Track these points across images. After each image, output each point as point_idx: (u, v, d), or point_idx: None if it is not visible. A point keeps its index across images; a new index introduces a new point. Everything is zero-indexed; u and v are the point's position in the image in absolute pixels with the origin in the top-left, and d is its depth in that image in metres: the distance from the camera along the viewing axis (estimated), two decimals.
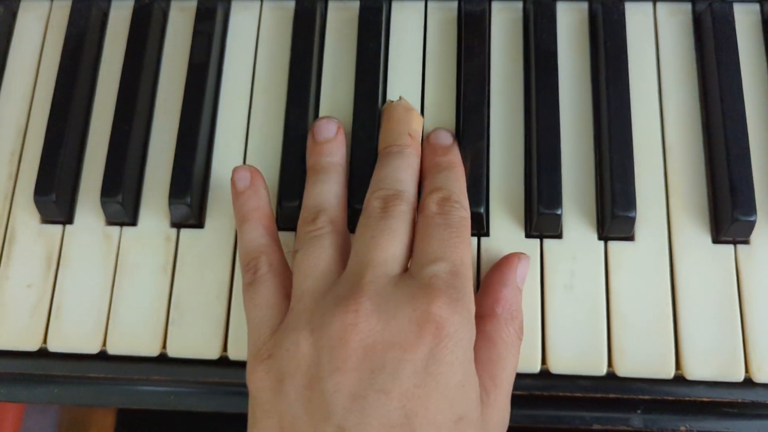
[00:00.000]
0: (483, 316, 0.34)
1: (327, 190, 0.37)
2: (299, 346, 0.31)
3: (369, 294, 0.31)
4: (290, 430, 0.31)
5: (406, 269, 0.34)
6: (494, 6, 0.43)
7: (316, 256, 0.34)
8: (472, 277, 0.33)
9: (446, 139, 0.39)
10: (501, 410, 0.33)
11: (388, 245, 0.33)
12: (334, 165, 0.38)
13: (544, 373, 0.37)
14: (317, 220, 0.35)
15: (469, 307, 0.32)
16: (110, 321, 0.39)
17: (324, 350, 0.31)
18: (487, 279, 0.36)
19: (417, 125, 0.39)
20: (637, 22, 0.42)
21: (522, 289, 0.36)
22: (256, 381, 0.32)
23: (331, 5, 0.44)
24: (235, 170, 0.38)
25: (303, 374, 0.31)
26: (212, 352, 0.38)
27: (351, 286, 0.32)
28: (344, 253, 0.35)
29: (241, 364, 0.38)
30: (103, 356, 0.39)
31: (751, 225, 0.37)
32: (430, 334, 0.30)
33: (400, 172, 0.36)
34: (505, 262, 0.36)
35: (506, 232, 0.39)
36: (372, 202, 0.35)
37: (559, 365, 0.37)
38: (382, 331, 0.30)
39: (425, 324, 0.30)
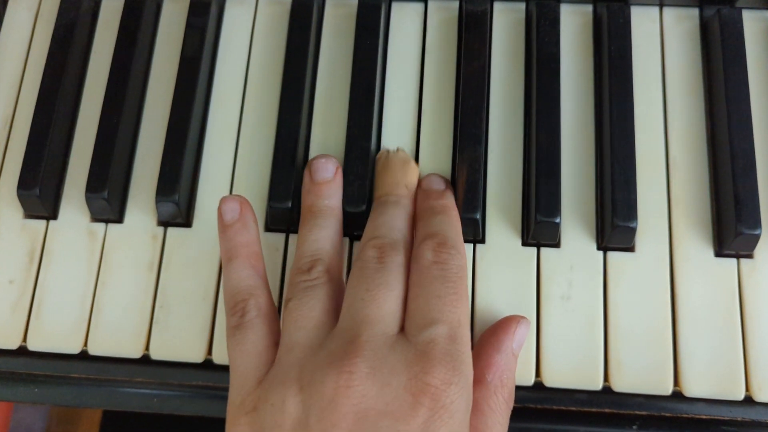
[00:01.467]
0: (473, 382, 0.33)
1: (324, 236, 0.35)
2: (286, 402, 0.30)
3: (365, 355, 0.30)
4: None
5: (401, 327, 0.32)
6: (496, 7, 0.42)
7: (310, 307, 0.33)
8: (470, 340, 0.32)
9: (439, 184, 0.37)
10: None
11: (385, 301, 0.32)
12: (332, 209, 0.36)
13: (539, 386, 0.36)
14: (313, 270, 0.34)
15: (466, 374, 0.31)
16: (92, 320, 0.38)
17: (313, 410, 0.29)
18: (482, 342, 0.35)
19: (413, 178, 0.38)
20: (642, 27, 0.41)
21: (518, 356, 0.35)
22: None
23: (328, 1, 0.43)
24: (222, 201, 0.36)
25: None
26: (197, 355, 0.37)
27: (345, 344, 0.30)
28: (338, 303, 0.34)
29: (226, 368, 0.37)
30: (85, 356, 0.38)
31: (756, 238, 0.36)
32: (425, 406, 0.29)
33: (396, 221, 0.35)
34: (501, 325, 0.35)
35: (503, 240, 0.38)
36: (367, 250, 0.34)
37: (553, 378, 0.35)
38: (376, 397, 0.29)
39: (420, 395, 0.29)
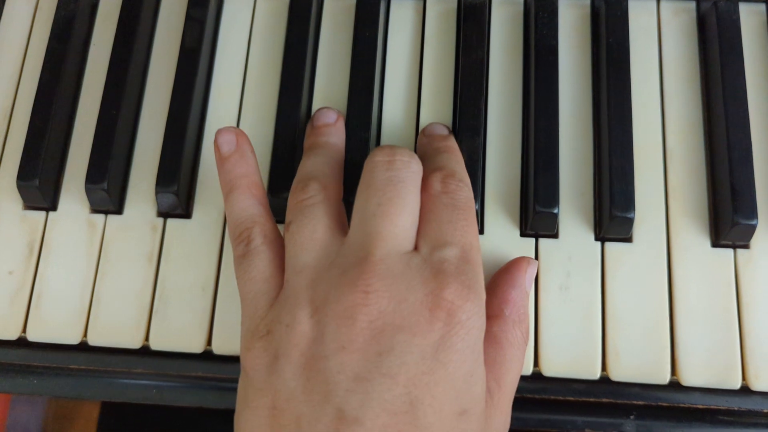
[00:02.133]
0: (490, 317, 0.33)
1: (319, 161, 0.35)
2: (300, 322, 0.30)
3: (379, 273, 0.29)
4: (284, 409, 0.29)
5: (415, 245, 0.32)
6: None
7: (312, 227, 0.32)
8: (481, 264, 0.32)
9: (442, 130, 0.38)
10: (503, 414, 0.32)
11: (398, 215, 0.31)
12: (330, 144, 0.36)
13: (537, 376, 0.36)
14: (308, 187, 0.33)
15: (480, 294, 0.31)
16: (92, 311, 0.38)
17: (328, 328, 0.29)
18: (496, 280, 0.35)
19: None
20: (640, 20, 0.41)
21: (529, 294, 0.35)
22: (252, 359, 0.30)
23: None
24: (218, 132, 0.35)
25: (302, 352, 0.29)
26: (196, 346, 0.37)
27: (359, 262, 0.30)
28: (342, 221, 0.33)
29: (226, 359, 0.37)
30: (84, 347, 0.38)
31: (752, 229, 0.36)
32: (441, 321, 0.29)
33: (402, 148, 0.34)
34: (514, 264, 0.35)
35: (501, 230, 0.38)
36: (377, 155, 0.32)
37: (551, 368, 0.36)
38: (393, 313, 0.29)
39: (437, 309, 0.29)
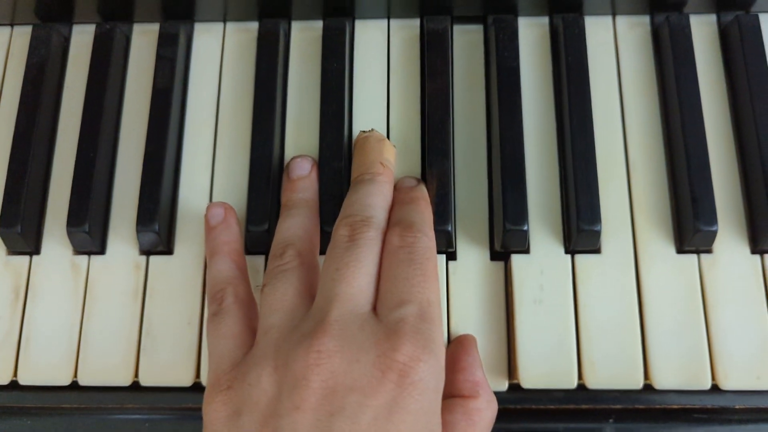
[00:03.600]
0: (467, 397, 0.34)
1: (296, 223, 0.37)
2: (261, 381, 0.31)
3: (333, 333, 0.31)
4: None
5: (374, 306, 0.33)
6: (456, 24, 0.43)
7: (283, 291, 0.34)
8: (441, 319, 0.33)
9: (410, 182, 0.39)
10: None
11: (354, 278, 0.33)
12: (305, 200, 0.38)
13: (516, 387, 0.37)
14: (284, 254, 0.35)
15: (437, 353, 0.31)
16: (81, 351, 0.39)
17: (285, 388, 0.30)
18: (460, 360, 0.35)
19: (389, 155, 0.39)
20: (597, 36, 0.43)
21: None
22: (213, 412, 0.32)
23: (294, 26, 0.44)
24: (209, 207, 0.39)
25: (261, 410, 0.30)
26: (185, 379, 0.38)
27: (316, 324, 0.31)
28: (313, 287, 0.35)
29: None
30: (76, 387, 0.39)
31: (713, 234, 0.37)
32: (392, 382, 0.29)
33: (370, 198, 0.36)
34: (469, 343, 0.36)
35: (474, 249, 0.39)
36: (339, 229, 0.35)
37: (530, 380, 0.37)
38: (344, 374, 0.30)
39: (388, 371, 0.30)
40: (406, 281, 0.33)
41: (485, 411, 0.34)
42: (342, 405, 0.29)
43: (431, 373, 0.30)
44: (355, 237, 0.34)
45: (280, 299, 0.33)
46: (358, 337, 0.31)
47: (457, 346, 0.36)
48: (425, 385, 0.30)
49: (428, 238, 0.35)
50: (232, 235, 0.38)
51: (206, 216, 0.38)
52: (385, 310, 0.32)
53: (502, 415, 0.38)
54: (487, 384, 0.35)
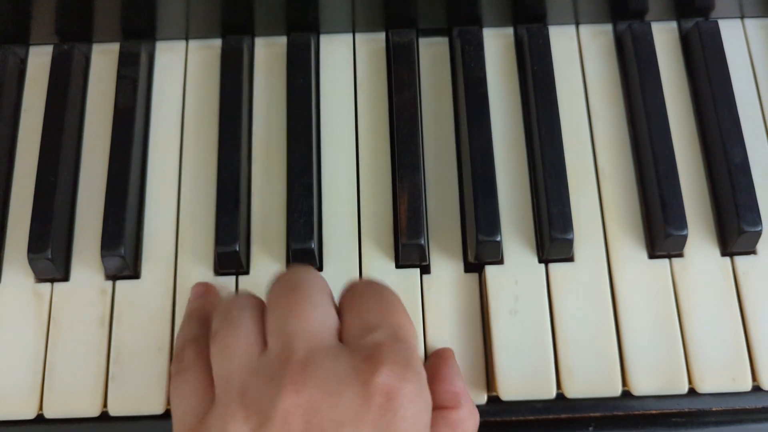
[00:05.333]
0: (449, 408, 0.33)
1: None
2: None
3: (307, 369, 0.28)
4: None
5: (339, 338, 0.31)
6: (422, 36, 0.43)
7: (234, 334, 0.31)
8: (416, 339, 0.32)
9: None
10: None
11: (309, 311, 0.30)
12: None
13: (495, 399, 0.37)
14: (235, 301, 0.33)
15: (419, 372, 0.30)
16: (46, 383, 0.37)
17: None
18: (440, 371, 0.34)
19: None
20: (561, 45, 0.43)
21: None
22: None
23: (258, 42, 0.44)
24: (193, 287, 0.38)
25: None
26: (156, 408, 0.37)
27: (283, 363, 0.29)
28: (264, 330, 0.32)
29: None
30: (41, 420, 0.37)
31: (683, 239, 0.38)
32: (382, 407, 0.28)
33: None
34: (447, 354, 0.35)
35: (447, 261, 0.39)
36: (275, 282, 0.32)
37: (509, 392, 0.37)
38: (330, 408, 0.28)
39: (374, 396, 0.28)
40: (369, 312, 0.31)
41: (468, 421, 0.33)
42: None
43: (418, 392, 0.29)
44: (297, 279, 0.32)
45: (232, 343, 0.31)
46: (334, 369, 0.29)
47: (435, 359, 0.36)
48: (415, 405, 0.29)
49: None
50: (208, 303, 0.36)
51: (191, 294, 0.37)
52: (354, 340, 0.30)
53: (482, 428, 0.37)
54: (468, 394, 0.34)
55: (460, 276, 0.38)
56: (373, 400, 0.28)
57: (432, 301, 0.38)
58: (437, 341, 0.37)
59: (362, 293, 0.32)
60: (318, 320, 0.30)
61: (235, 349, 0.31)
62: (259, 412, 0.28)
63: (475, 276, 0.39)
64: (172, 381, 0.33)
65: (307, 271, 0.32)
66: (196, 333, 0.34)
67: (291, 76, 0.41)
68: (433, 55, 0.43)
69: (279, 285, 0.32)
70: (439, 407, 0.33)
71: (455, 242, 0.39)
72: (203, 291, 0.37)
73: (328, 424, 0.28)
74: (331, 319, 0.31)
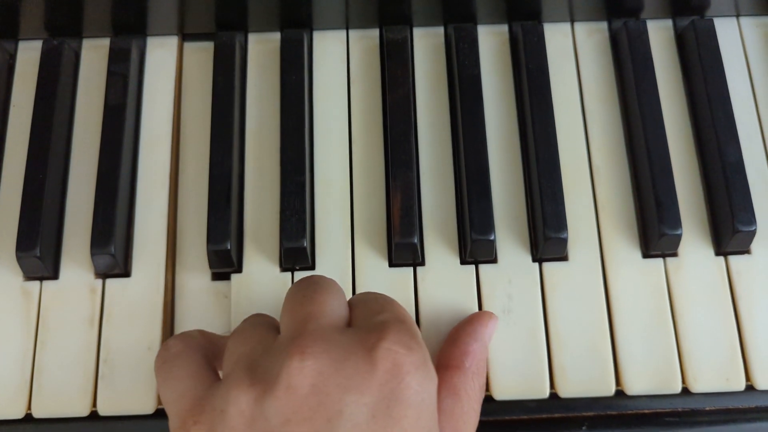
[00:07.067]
0: (450, 367, 0.33)
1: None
2: (235, 403, 0.27)
3: (314, 337, 0.28)
4: None
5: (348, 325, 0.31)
6: (416, 33, 0.43)
7: (251, 327, 0.31)
8: (418, 331, 0.31)
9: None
10: None
11: (325, 298, 0.31)
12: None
13: (488, 398, 0.37)
14: (250, 318, 0.33)
15: (424, 349, 0.29)
16: (34, 382, 0.37)
17: (268, 402, 0.27)
18: (457, 331, 0.35)
19: None
20: (556, 42, 0.43)
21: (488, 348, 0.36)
22: None
23: (251, 38, 0.43)
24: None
25: None
26: (147, 407, 0.36)
27: (293, 336, 0.29)
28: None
29: None
30: (30, 419, 0.37)
31: (678, 238, 0.37)
32: (388, 372, 0.27)
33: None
34: (476, 317, 0.36)
35: (441, 259, 0.38)
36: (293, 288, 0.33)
37: (502, 391, 0.36)
38: (336, 373, 0.27)
39: (382, 361, 0.27)
40: (375, 302, 0.32)
41: (470, 383, 0.33)
42: (339, 408, 0.27)
43: (422, 362, 0.29)
44: (315, 278, 0.32)
45: (249, 333, 0.31)
46: (341, 340, 0.29)
47: (463, 321, 0.36)
48: (421, 374, 0.28)
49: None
50: (208, 333, 0.35)
51: None
52: (362, 321, 0.30)
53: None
54: (477, 355, 0.34)
55: (456, 272, 0.38)
56: (379, 365, 0.28)
57: (427, 296, 0.38)
58: (432, 335, 0.37)
59: (367, 296, 0.33)
60: (331, 306, 0.31)
61: (250, 339, 0.30)
62: (264, 379, 0.28)
63: (471, 272, 0.38)
64: (161, 369, 0.31)
65: (325, 276, 0.33)
66: (189, 334, 0.33)
67: (284, 72, 0.41)
68: (428, 47, 0.43)
69: (298, 282, 0.32)
70: (443, 366, 0.33)
71: (452, 237, 0.39)
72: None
73: (334, 388, 0.27)
74: (343, 310, 0.31)
